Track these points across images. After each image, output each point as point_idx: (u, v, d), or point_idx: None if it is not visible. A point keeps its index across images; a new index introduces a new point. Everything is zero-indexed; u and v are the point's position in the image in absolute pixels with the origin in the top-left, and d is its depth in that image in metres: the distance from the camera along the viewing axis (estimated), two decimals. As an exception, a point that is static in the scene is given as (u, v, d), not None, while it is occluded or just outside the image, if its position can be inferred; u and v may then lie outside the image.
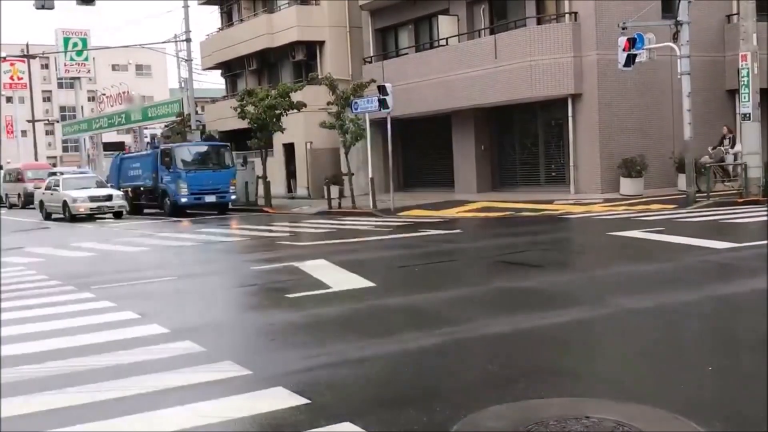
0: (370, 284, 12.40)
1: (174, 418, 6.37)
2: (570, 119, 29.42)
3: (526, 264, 14.26)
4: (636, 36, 23.93)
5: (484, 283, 12.19)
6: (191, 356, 8.33)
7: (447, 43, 33.96)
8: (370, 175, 30.43)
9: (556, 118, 31.07)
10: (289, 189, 42.70)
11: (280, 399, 6.65)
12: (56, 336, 9.63)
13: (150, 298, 12.62)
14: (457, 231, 20.88)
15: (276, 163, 41.42)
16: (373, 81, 31.12)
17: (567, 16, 29.40)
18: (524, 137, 33.08)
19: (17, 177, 51.03)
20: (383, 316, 10.25)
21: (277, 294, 12.31)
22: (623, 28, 23.90)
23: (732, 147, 27.30)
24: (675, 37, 23.92)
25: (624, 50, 23.89)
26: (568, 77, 28.79)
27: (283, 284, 13.32)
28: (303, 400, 6.55)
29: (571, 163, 29.62)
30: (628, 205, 23.95)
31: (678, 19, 23.69)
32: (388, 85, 28.68)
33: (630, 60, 24.03)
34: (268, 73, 47.18)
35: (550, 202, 26.57)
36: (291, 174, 42.64)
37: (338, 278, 13.14)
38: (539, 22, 30.78)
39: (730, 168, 27.34)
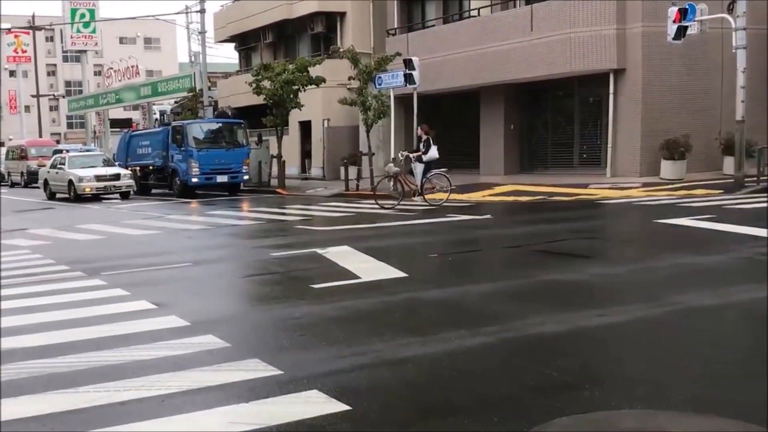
0: (402, 274, 12.01)
1: (201, 422, 6.04)
2: (611, 96, 28.86)
3: (570, 254, 13.81)
4: (688, 6, 23.40)
5: (527, 275, 11.74)
6: (215, 352, 7.99)
7: (479, 14, 33.46)
8: (392, 155, 30.00)
9: (594, 96, 30.59)
10: (304, 169, 42.34)
11: (317, 404, 6.29)
12: (68, 327, 9.32)
13: (164, 286, 12.31)
14: (487, 216, 20.41)
15: (291, 142, 41.03)
16: (399, 54, 30.69)
17: (611, -16, 28.73)
18: (558, 116, 32.61)
19: (20, 154, 50.82)
20: (420, 310, 9.87)
21: (302, 284, 11.94)
22: (675, -2, 23.40)
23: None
24: (730, 8, 23.38)
25: (674, 22, 23.46)
26: (610, 51, 28.22)
27: (307, 273, 12.96)
28: (342, 406, 6.19)
29: (609, 144, 29.09)
30: (670, 190, 23.49)
31: (736, -12, 23.14)
32: (414, 59, 28.26)
33: (680, 32, 23.57)
34: (285, 47, 46.83)
35: (585, 186, 26.10)
36: (306, 153, 42.27)
37: (366, 267, 12.77)
38: (580, -9, 30.12)
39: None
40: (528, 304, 9.73)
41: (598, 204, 22.20)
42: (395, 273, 12.14)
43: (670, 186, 24.49)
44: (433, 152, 23.98)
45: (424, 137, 24.27)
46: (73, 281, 12.80)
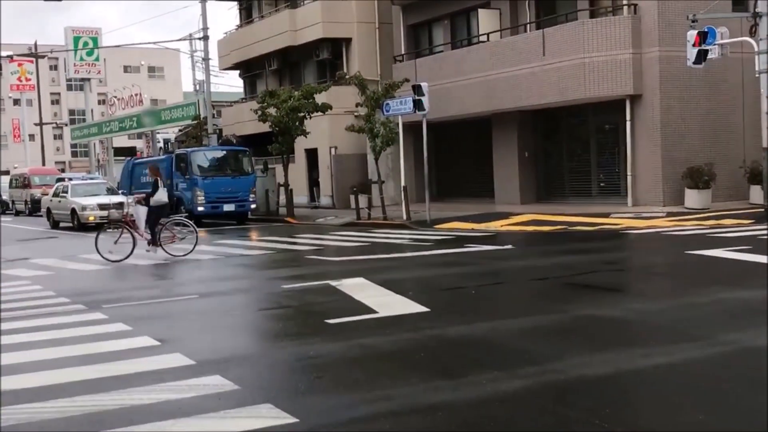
0: (423, 309, 11.29)
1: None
2: (627, 123, 28.19)
3: (602, 287, 13.10)
4: (707, 30, 22.82)
5: (559, 309, 10.98)
6: (223, 396, 7.30)
7: (488, 39, 32.87)
8: (402, 183, 29.37)
9: (610, 122, 29.92)
10: (312, 198, 41.75)
11: (341, 462, 5.56)
12: (62, 366, 8.66)
13: (169, 321, 11.62)
14: (508, 247, 19.72)
15: (298, 170, 40.41)
16: (407, 80, 30.07)
17: (625, 8, 28.25)
18: (574, 143, 31.94)
19: (24, 183, 50.27)
20: (446, 350, 9.08)
21: (316, 319, 11.19)
22: (693, 21, 22.83)
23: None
24: (752, 31, 22.76)
25: (694, 45, 22.90)
26: (626, 76, 27.59)
27: (321, 307, 12.24)
28: (369, 464, 5.46)
29: (629, 173, 28.37)
30: (697, 220, 22.77)
31: (757, 11, 22.52)
32: (424, 85, 27.59)
33: (701, 56, 23.00)
34: (290, 74, 46.36)
35: (606, 215, 25.42)
36: (314, 182, 41.69)
37: (384, 301, 12.04)
38: (593, 15, 29.65)
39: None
40: (565, 343, 8.99)
41: (623, 234, 21.50)
42: (416, 307, 11.42)
43: (696, 216, 23.76)
44: (161, 195, 21.08)
45: (152, 179, 21.72)
46: (73, 315, 12.13)
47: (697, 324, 9.83)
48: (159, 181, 21.01)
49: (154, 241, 20.51)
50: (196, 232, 21.15)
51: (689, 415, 6.47)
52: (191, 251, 20.41)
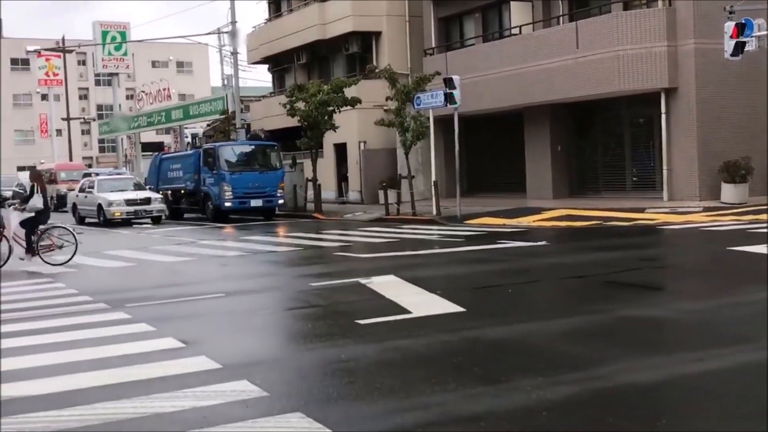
0: (458, 309, 10.85)
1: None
2: (663, 116, 27.73)
3: (642, 285, 12.62)
4: (745, 21, 22.25)
5: (598, 309, 10.51)
6: (250, 403, 6.90)
7: (520, 32, 32.40)
8: (433, 178, 28.95)
9: (645, 116, 29.46)
10: (340, 193, 41.41)
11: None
12: (81, 370, 8.28)
13: (195, 321, 11.22)
14: (542, 243, 19.25)
15: (326, 165, 40.09)
16: (438, 74, 29.63)
17: (660, 0, 27.66)
18: (607, 137, 31.51)
19: (50, 178, 50.08)
20: (485, 353, 8.63)
21: (346, 319, 10.77)
22: (731, 12, 22.26)
23: None
24: (792, 23, 22.24)
25: (731, 37, 22.37)
26: (661, 69, 27.08)
27: (351, 306, 11.84)
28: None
29: (664, 167, 27.90)
30: (735, 215, 22.21)
31: (798, 1, 21.99)
32: (455, 78, 27.18)
33: (738, 48, 22.47)
34: (319, 68, 46.08)
35: (641, 210, 24.92)
36: (342, 177, 41.34)
37: (417, 300, 11.60)
38: (627, 7, 29.21)
39: None
40: (610, 345, 8.53)
41: (659, 230, 21.01)
42: (450, 307, 10.98)
43: (734, 211, 23.20)
44: (36, 202, 19.65)
45: (30, 184, 20.53)
46: (95, 314, 11.75)
47: (745, 324, 9.37)
48: (36, 187, 19.67)
49: (30, 250, 19.17)
50: (77, 240, 19.74)
51: (755, 424, 6.01)
52: (69, 260, 19.06)
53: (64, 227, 20.45)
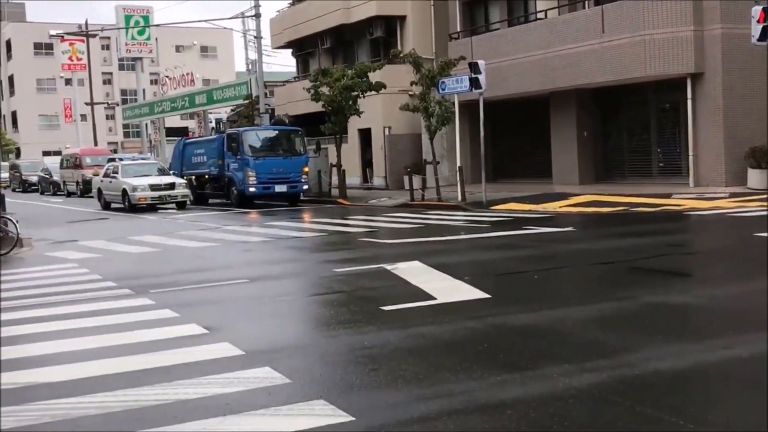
0: (483, 295, 10.76)
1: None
2: (689, 102, 27.45)
3: (669, 272, 12.49)
4: (772, 5, 22.02)
5: (626, 296, 10.38)
6: (273, 391, 6.85)
7: (545, 16, 32.16)
8: (458, 164, 28.81)
9: (671, 101, 29.19)
10: (365, 179, 41.32)
11: (402, 468, 5.07)
12: (104, 356, 8.28)
13: (218, 307, 11.16)
14: (569, 229, 19.12)
15: (351, 150, 40.00)
16: (463, 58, 29.48)
17: (686, -16, 27.32)
18: (633, 122, 31.27)
19: (75, 163, 50.22)
20: (511, 340, 8.53)
21: (371, 305, 10.71)
22: (758, -4, 22.00)
23: None
24: (821, 7, 21.95)
25: (759, 22, 22.08)
26: (687, 54, 26.80)
27: (376, 292, 11.78)
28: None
29: (690, 152, 27.65)
30: (760, 201, 21.95)
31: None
32: (480, 62, 26.99)
33: (766, 33, 22.17)
34: (343, 52, 45.92)
35: (668, 196, 24.71)
36: (367, 162, 41.26)
37: (442, 286, 11.54)
38: (653, -9, 28.76)
39: None
40: (636, 332, 8.41)
41: (686, 215, 20.81)
42: (475, 293, 10.90)
43: (761, 196, 22.95)
44: None
45: None
46: (118, 300, 11.75)
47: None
48: None
49: None
50: (18, 232, 19.51)
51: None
52: (8, 252, 18.75)
53: (6, 217, 20.17)
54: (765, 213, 19.11)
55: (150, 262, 16.71)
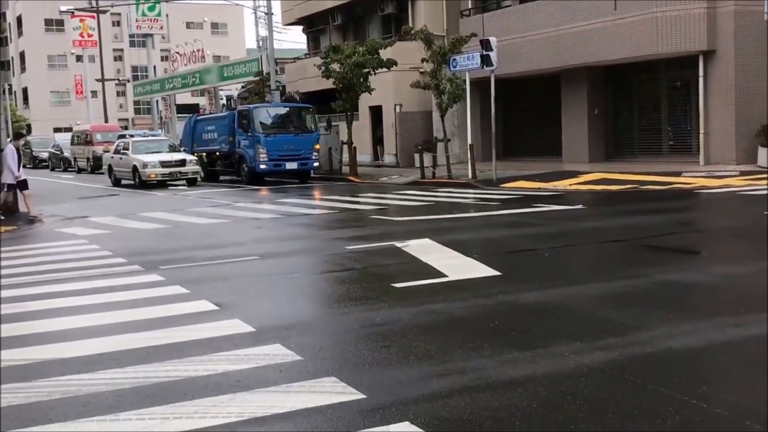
0: (494, 272, 10.73)
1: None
2: (700, 79, 27.33)
3: (680, 250, 12.44)
4: (787, -19, 21.88)
5: (637, 274, 10.34)
6: (284, 367, 6.84)
7: (558, -7, 31.97)
8: (469, 141, 28.72)
9: (682, 79, 29.07)
10: (376, 156, 41.25)
11: (413, 445, 5.05)
12: (115, 333, 8.26)
13: (229, 283, 11.11)
14: (579, 207, 19.05)
15: (362, 128, 39.91)
16: (474, 35, 29.34)
17: (699, -40, 27.15)
18: (644, 100, 31.15)
19: (86, 139, 50.24)
20: (521, 317, 8.50)
21: (381, 282, 10.67)
22: (772, -28, 21.84)
23: None
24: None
25: (772, -2, 21.89)
26: (699, 31, 26.63)
27: (387, 269, 11.75)
28: (444, 448, 4.94)
29: (701, 130, 27.53)
30: (772, 179, 21.90)
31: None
32: (492, 39, 26.90)
33: (779, 10, 22.01)
34: (354, 29, 45.81)
35: (678, 174, 24.61)
36: (378, 140, 41.17)
37: (452, 264, 11.52)
38: (665, -33, 28.57)
39: None
40: (648, 310, 8.37)
41: (696, 193, 20.71)
42: (486, 271, 10.87)
43: (771, 175, 22.89)
44: None
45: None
46: (128, 277, 11.76)
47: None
48: None
49: None
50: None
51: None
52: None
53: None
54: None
55: (160, 239, 16.70)
